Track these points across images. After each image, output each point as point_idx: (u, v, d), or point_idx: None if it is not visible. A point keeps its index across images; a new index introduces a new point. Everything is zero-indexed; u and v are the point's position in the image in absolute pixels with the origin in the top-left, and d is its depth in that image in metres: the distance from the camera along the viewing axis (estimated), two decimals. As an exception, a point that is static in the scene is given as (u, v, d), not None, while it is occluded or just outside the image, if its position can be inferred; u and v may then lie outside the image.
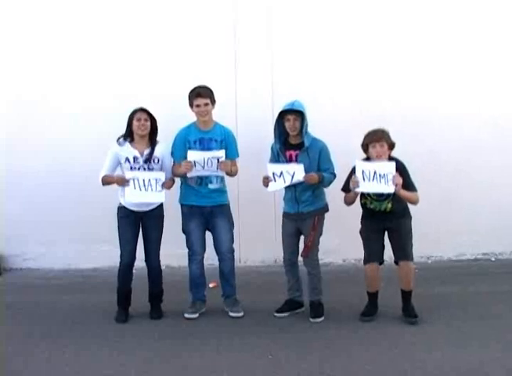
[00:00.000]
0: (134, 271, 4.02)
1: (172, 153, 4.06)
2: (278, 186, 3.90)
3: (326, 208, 4.05)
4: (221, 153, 3.92)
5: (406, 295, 3.88)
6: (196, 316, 4.06)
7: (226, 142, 4.05)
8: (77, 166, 5.26)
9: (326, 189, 4.04)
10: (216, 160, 3.89)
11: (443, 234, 5.39)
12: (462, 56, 5.37)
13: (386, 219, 3.83)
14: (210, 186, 4.02)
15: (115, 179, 3.91)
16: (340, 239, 5.08)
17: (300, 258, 4.07)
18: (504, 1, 5.39)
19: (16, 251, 5.51)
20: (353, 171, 3.79)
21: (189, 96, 3.99)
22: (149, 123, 3.93)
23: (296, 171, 3.82)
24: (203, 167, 3.89)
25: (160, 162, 3.98)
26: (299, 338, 3.63)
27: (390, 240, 3.89)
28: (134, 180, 3.84)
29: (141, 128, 3.90)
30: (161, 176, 3.89)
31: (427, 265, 5.38)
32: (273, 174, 3.88)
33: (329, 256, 5.33)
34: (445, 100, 5.36)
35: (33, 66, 5.34)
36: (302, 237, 4.06)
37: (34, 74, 5.34)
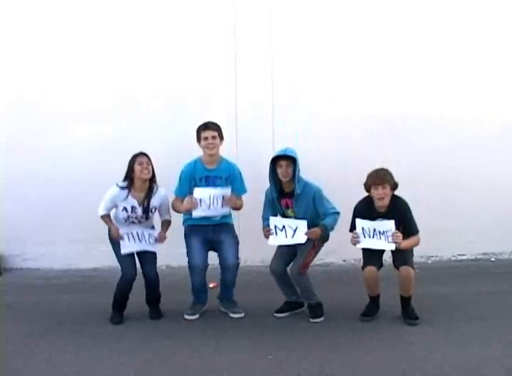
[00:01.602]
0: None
1: (176, 192, 4.05)
2: (279, 240, 3.94)
3: (327, 238, 4.03)
4: (228, 191, 3.93)
5: (405, 301, 3.86)
6: (195, 317, 4.07)
7: (232, 178, 4.05)
8: (77, 166, 5.27)
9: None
10: (221, 198, 3.91)
11: (443, 234, 5.39)
12: (462, 56, 5.38)
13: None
14: (214, 218, 4.04)
15: (111, 230, 3.96)
16: (340, 239, 5.06)
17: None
18: (509, 5, 5.38)
19: (16, 251, 5.51)
20: (355, 216, 3.82)
21: (197, 130, 3.99)
22: (150, 167, 3.92)
23: (299, 227, 3.85)
24: (209, 206, 3.90)
25: (156, 211, 4.02)
26: (299, 338, 3.63)
27: None
28: (128, 234, 3.93)
29: (144, 172, 3.88)
30: (153, 232, 4.01)
31: (427, 265, 5.38)
32: (275, 227, 3.92)
33: (330, 256, 5.33)
34: (446, 100, 5.36)
35: (33, 67, 5.35)
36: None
37: (33, 75, 5.34)
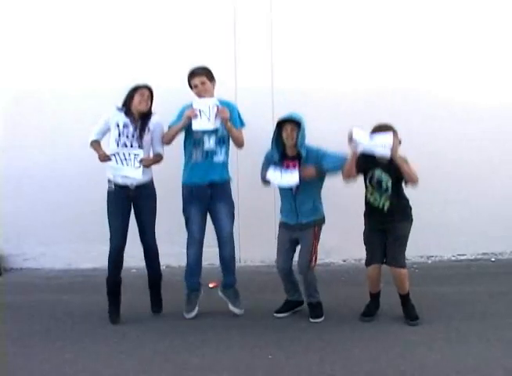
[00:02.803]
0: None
1: (171, 122, 4.00)
2: (275, 177, 3.86)
3: (324, 220, 4.02)
4: (217, 102, 3.87)
5: (403, 298, 3.87)
6: (195, 313, 4.03)
7: (230, 112, 3.96)
8: (77, 166, 5.26)
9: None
10: (216, 109, 3.83)
11: (443, 234, 5.40)
12: (470, 48, 5.35)
13: (385, 221, 3.82)
14: (216, 159, 3.97)
15: (99, 154, 3.87)
16: (340, 239, 5.08)
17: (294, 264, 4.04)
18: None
19: (16, 251, 5.51)
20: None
21: (188, 79, 4.00)
22: (150, 101, 3.90)
23: (293, 173, 3.81)
24: (209, 118, 3.82)
25: (150, 132, 3.93)
26: (299, 338, 3.63)
27: (386, 242, 3.87)
28: (115, 155, 3.83)
29: (142, 103, 3.85)
30: (140, 152, 3.86)
31: (427, 265, 5.38)
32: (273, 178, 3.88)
33: (330, 256, 5.34)
34: (448, 100, 5.35)
35: (31, 64, 5.34)
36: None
37: (32, 73, 5.34)
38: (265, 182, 4.00)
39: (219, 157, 3.99)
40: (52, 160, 5.34)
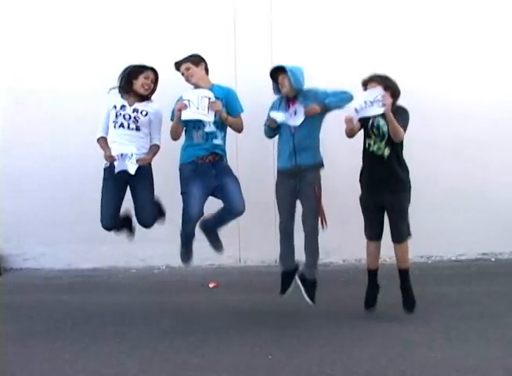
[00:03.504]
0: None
1: (171, 117, 3.98)
2: (279, 115, 3.85)
3: (322, 164, 3.98)
4: (211, 94, 3.85)
5: (403, 274, 3.87)
6: (191, 263, 4.02)
7: (227, 99, 3.99)
8: (77, 166, 5.27)
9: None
10: (207, 100, 3.83)
11: (443, 234, 5.39)
12: (473, 45, 5.34)
13: (382, 191, 3.77)
14: (215, 141, 3.95)
15: (105, 154, 3.85)
16: (340, 239, 5.08)
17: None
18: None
19: (16, 251, 5.52)
20: None
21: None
22: (153, 86, 3.89)
23: (298, 110, 3.79)
24: (198, 108, 3.81)
25: (147, 116, 3.89)
26: (299, 338, 3.63)
27: (388, 217, 3.84)
28: (118, 156, 3.81)
29: (144, 87, 3.83)
30: (134, 150, 3.83)
31: (427, 265, 5.38)
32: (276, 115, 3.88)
33: (330, 256, 5.33)
34: (453, 98, 5.34)
35: (31, 64, 5.34)
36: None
37: (32, 73, 5.34)
38: (270, 131, 3.99)
39: (219, 140, 3.97)
40: (52, 160, 5.34)
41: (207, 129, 3.92)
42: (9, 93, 5.37)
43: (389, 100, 3.60)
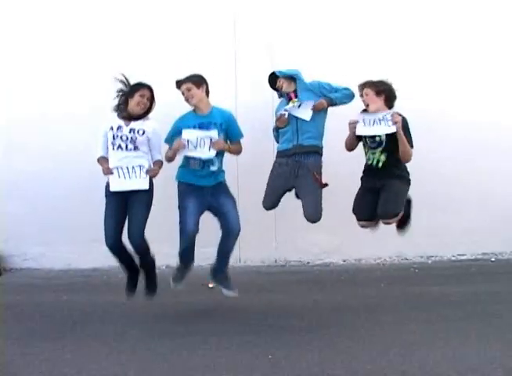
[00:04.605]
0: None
1: (167, 139, 4.00)
2: (290, 108, 3.90)
3: (322, 150, 4.01)
4: (214, 133, 3.86)
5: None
6: (182, 286, 4.00)
7: (227, 124, 3.99)
8: (77, 166, 5.27)
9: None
10: (209, 140, 3.84)
11: (443, 234, 5.40)
12: (470, 55, 5.42)
13: (379, 177, 3.77)
14: (212, 168, 3.96)
15: (103, 168, 3.83)
16: (340, 239, 5.08)
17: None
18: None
19: (16, 251, 5.52)
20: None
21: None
22: (149, 104, 3.86)
23: (303, 103, 3.85)
24: (196, 147, 3.85)
25: (144, 135, 3.84)
26: (299, 338, 3.63)
27: (380, 197, 3.77)
28: (118, 169, 3.78)
29: (140, 105, 3.80)
30: (145, 163, 3.83)
31: (427, 265, 5.38)
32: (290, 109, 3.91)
33: (330, 256, 5.34)
34: (451, 100, 5.38)
35: (33, 67, 5.35)
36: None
37: (35, 75, 5.35)
38: (279, 136, 4.05)
39: (215, 166, 3.99)
40: (52, 161, 5.35)
41: (204, 158, 3.92)
42: (12, 94, 5.37)
43: (399, 118, 3.57)
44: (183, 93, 3.95)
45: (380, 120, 3.61)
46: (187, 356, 3.40)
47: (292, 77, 4.04)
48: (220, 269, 4.08)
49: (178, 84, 3.97)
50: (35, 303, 4.46)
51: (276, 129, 4.09)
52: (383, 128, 3.61)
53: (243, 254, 5.26)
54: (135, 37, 5.30)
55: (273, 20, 5.31)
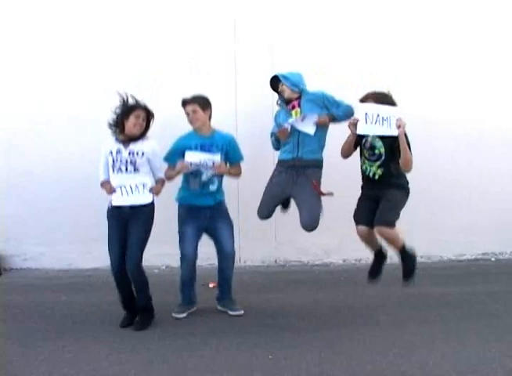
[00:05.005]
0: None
1: (167, 158, 4.03)
2: (291, 121, 3.87)
3: (322, 163, 4.01)
4: (217, 157, 3.91)
5: (400, 255, 3.71)
6: (184, 315, 4.06)
7: (228, 147, 4.03)
8: (77, 166, 5.26)
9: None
10: (211, 163, 3.89)
11: (443, 234, 5.40)
12: (466, 58, 5.40)
13: (377, 187, 3.72)
14: (212, 188, 4.01)
15: (106, 188, 3.84)
16: (340, 239, 5.08)
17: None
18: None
19: (16, 251, 5.51)
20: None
21: (182, 107, 4.00)
22: (144, 124, 3.84)
23: (307, 116, 3.82)
24: (198, 166, 3.89)
25: (144, 156, 3.82)
26: (299, 338, 3.63)
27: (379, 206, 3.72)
28: (121, 187, 3.80)
29: (136, 126, 3.78)
30: (147, 181, 3.85)
31: (427, 265, 5.38)
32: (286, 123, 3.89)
33: (330, 256, 5.34)
34: (451, 101, 5.37)
35: (33, 68, 5.33)
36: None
37: (34, 76, 5.33)
38: (277, 143, 4.05)
39: (215, 186, 4.03)
40: (52, 161, 5.34)
41: (204, 178, 3.96)
42: (12, 96, 5.36)
43: (404, 123, 3.50)
44: (188, 113, 3.96)
45: (383, 119, 3.53)
46: (187, 356, 3.41)
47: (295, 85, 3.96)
48: (224, 295, 4.17)
49: (185, 103, 3.97)
50: (35, 303, 4.46)
51: (274, 136, 4.08)
52: (385, 130, 3.52)
53: (243, 254, 5.25)
54: (135, 38, 5.28)
55: (273, 20, 5.30)
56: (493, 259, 5.54)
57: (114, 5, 5.32)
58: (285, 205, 4.14)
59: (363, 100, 3.68)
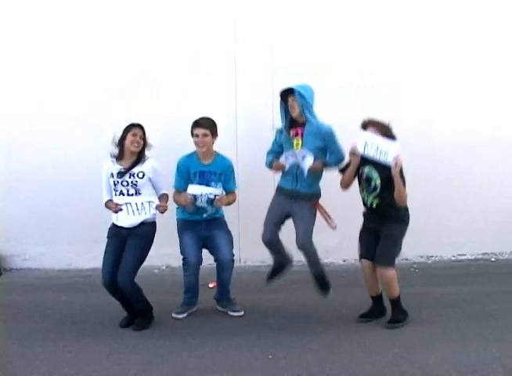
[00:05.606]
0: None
1: (176, 186, 4.09)
2: (291, 153, 3.88)
3: (320, 193, 4.03)
4: (219, 191, 3.98)
5: (391, 303, 3.81)
6: (184, 316, 4.07)
7: (225, 175, 4.08)
8: (77, 166, 5.27)
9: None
10: (213, 196, 3.95)
11: (443, 234, 5.40)
12: (466, 61, 5.41)
13: (376, 219, 3.78)
14: (205, 215, 4.06)
15: (111, 207, 3.86)
16: (340, 239, 5.07)
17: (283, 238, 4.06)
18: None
19: (16, 251, 5.51)
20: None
21: (191, 125, 4.01)
22: (142, 141, 3.88)
23: (307, 156, 3.80)
24: (201, 200, 3.97)
25: (145, 177, 3.86)
26: (299, 338, 3.63)
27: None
28: (127, 205, 3.81)
29: (134, 144, 3.83)
30: (154, 199, 3.87)
31: (427, 265, 5.39)
32: (285, 157, 3.89)
33: (330, 256, 5.34)
34: (450, 103, 5.38)
35: (33, 69, 5.33)
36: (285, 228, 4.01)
37: (34, 78, 5.33)
38: (270, 165, 4.06)
39: (209, 212, 4.07)
40: (52, 162, 5.34)
41: (199, 204, 3.99)
42: (12, 97, 5.35)
43: (401, 162, 3.54)
44: (197, 135, 3.96)
45: (381, 153, 3.59)
46: (187, 356, 3.41)
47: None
48: (223, 296, 4.18)
49: (197, 125, 3.97)
50: (35, 303, 4.46)
51: (269, 164, 4.09)
52: (382, 158, 3.59)
53: (243, 254, 5.25)
54: (135, 38, 5.28)
55: (273, 20, 5.30)
56: (493, 259, 5.54)
57: (114, 6, 5.31)
58: (273, 274, 4.17)
59: (364, 126, 3.70)
